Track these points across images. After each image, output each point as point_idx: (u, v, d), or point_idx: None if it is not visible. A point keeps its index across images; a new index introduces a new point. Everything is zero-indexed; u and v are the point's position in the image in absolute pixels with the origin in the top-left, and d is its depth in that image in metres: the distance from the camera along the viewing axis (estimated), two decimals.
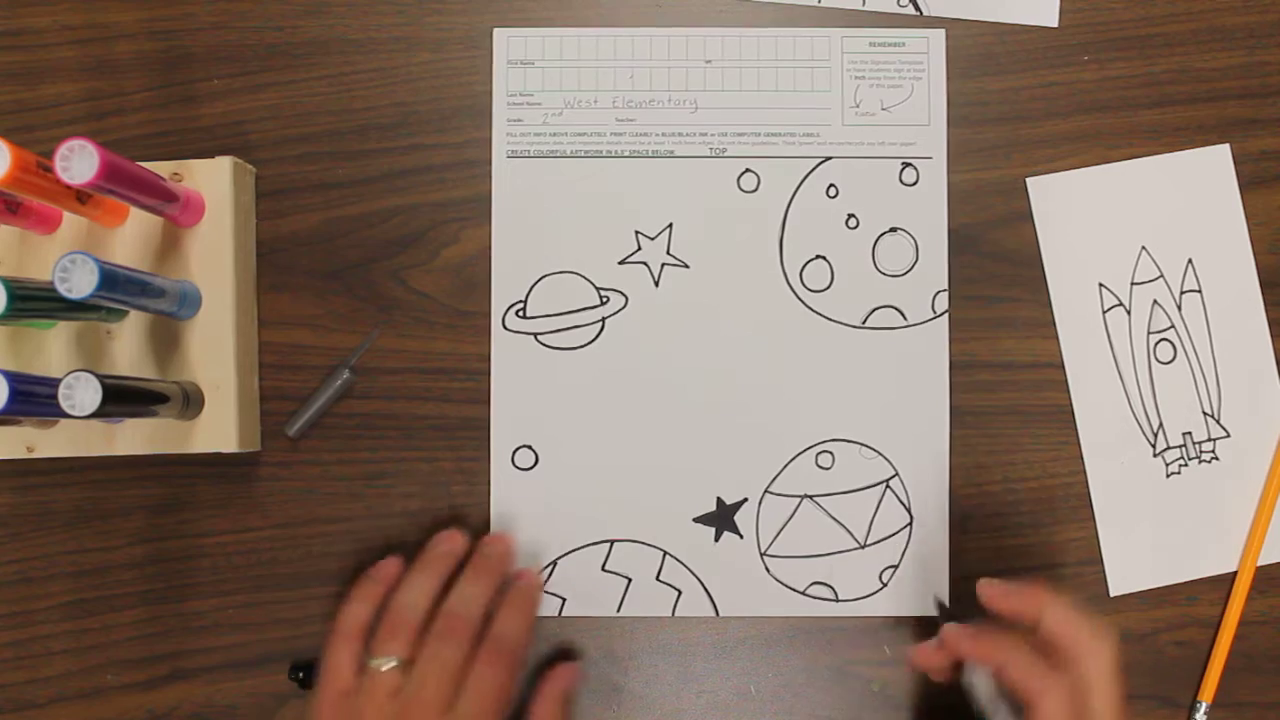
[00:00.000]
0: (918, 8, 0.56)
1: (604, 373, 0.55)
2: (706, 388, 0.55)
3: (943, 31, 0.56)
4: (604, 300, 0.55)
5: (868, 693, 0.55)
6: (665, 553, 0.55)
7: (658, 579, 0.55)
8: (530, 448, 0.55)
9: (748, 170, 0.56)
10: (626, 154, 0.56)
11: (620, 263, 0.56)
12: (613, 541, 0.55)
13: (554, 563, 0.55)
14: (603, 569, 0.55)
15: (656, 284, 0.56)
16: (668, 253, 0.56)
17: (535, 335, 0.55)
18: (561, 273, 0.56)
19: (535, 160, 0.56)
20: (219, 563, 0.55)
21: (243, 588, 0.55)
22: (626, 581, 0.55)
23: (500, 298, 0.56)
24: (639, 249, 0.56)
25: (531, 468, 0.55)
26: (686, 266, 0.56)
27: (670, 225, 0.56)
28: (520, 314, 0.55)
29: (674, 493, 0.55)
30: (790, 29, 0.56)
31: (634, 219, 0.56)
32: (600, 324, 0.55)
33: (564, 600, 0.55)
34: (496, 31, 0.56)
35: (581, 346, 0.55)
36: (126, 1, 0.57)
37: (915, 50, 0.56)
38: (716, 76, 0.56)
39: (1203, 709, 0.54)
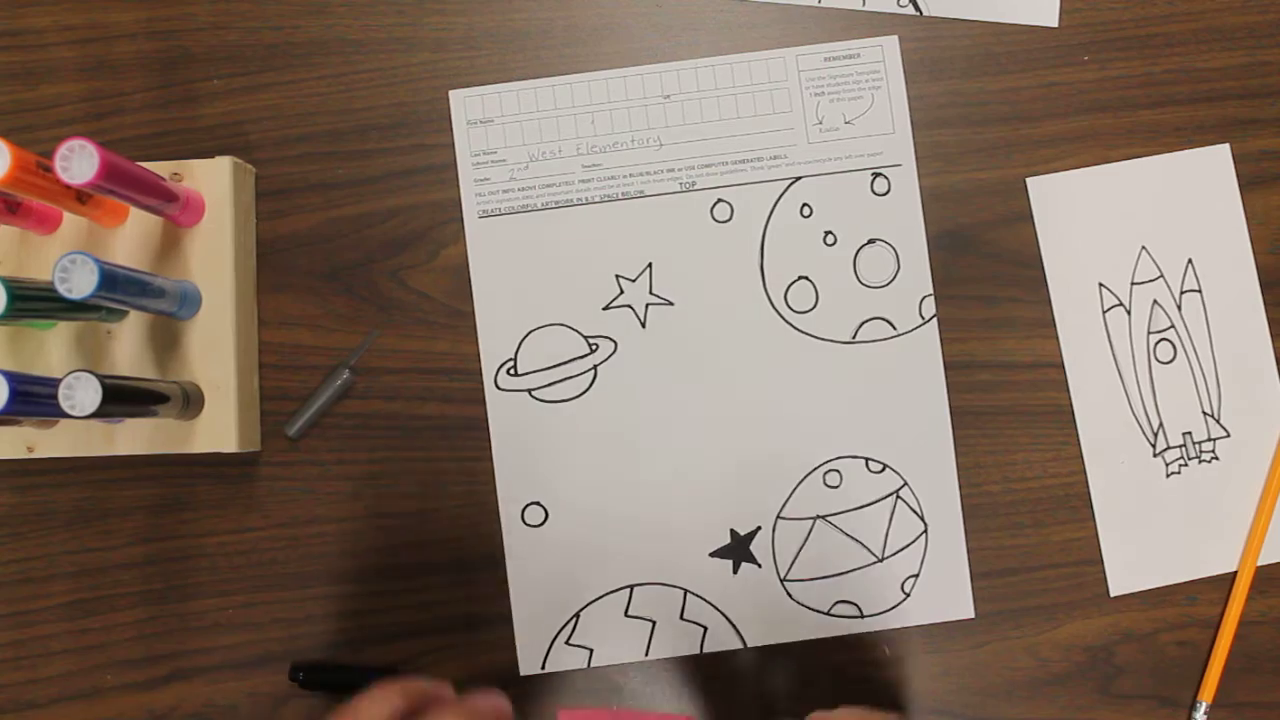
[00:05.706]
0: (918, 8, 0.56)
1: (602, 420, 0.55)
2: (706, 422, 0.55)
3: (895, 38, 0.56)
4: (593, 348, 0.55)
5: (868, 693, 0.55)
6: (686, 591, 0.55)
7: (682, 618, 0.55)
8: (539, 504, 0.55)
9: (720, 200, 0.56)
10: (597, 199, 0.56)
11: (605, 308, 0.55)
12: (632, 587, 0.55)
13: (576, 615, 0.54)
14: (626, 615, 0.54)
15: (643, 325, 0.55)
16: (650, 292, 0.55)
17: (529, 391, 0.55)
18: (548, 325, 0.55)
19: (507, 217, 0.55)
20: (219, 563, 0.55)
21: (243, 588, 0.55)
22: (651, 625, 0.54)
23: (489, 358, 0.55)
24: (621, 292, 0.55)
25: (542, 524, 0.55)
26: (671, 304, 0.55)
27: (649, 265, 0.55)
28: (511, 372, 0.55)
29: (687, 530, 0.55)
30: (744, 54, 0.56)
31: (613, 263, 0.56)
32: (592, 372, 0.55)
33: (591, 651, 0.54)
34: (452, 93, 0.56)
35: (576, 397, 0.55)
36: (126, 1, 0.57)
37: (870, 60, 0.56)
38: (677, 111, 0.56)
39: (1203, 709, 0.54)
